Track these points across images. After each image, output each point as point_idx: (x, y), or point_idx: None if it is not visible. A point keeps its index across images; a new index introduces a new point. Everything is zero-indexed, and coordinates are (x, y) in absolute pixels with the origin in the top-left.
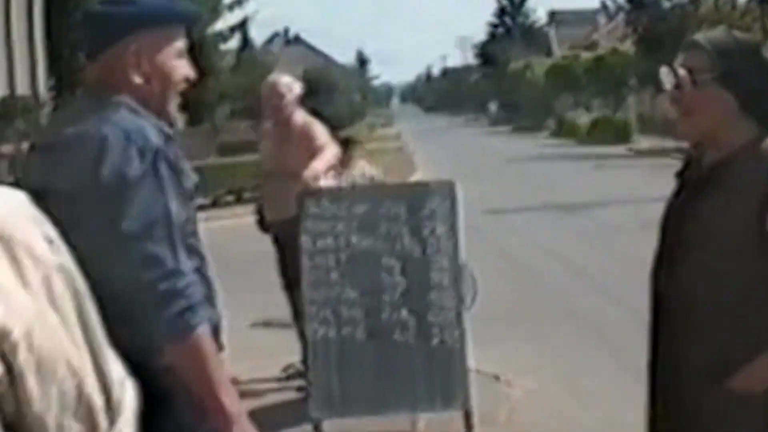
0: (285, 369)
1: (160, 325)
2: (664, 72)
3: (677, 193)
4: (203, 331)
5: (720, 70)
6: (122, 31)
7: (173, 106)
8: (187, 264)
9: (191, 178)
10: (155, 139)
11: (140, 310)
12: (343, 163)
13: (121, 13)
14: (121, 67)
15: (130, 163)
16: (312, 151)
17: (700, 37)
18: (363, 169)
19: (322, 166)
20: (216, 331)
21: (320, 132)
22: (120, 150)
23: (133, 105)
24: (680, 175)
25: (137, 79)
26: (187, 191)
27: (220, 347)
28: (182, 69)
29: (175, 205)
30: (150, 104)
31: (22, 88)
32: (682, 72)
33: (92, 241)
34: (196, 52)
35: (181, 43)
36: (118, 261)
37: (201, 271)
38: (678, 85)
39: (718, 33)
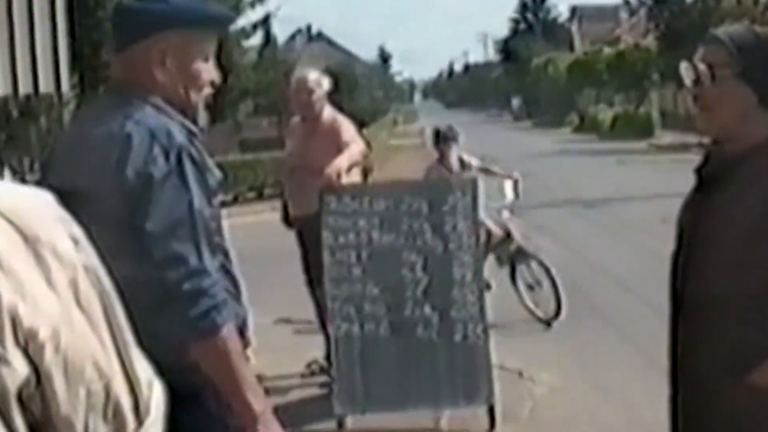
0: (308, 365)
1: (185, 324)
2: (684, 67)
3: (696, 189)
4: (229, 329)
5: (740, 65)
6: (150, 28)
7: (198, 105)
8: (211, 262)
9: (216, 176)
10: (179, 137)
11: (166, 309)
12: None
13: (151, 10)
14: (146, 65)
15: (155, 162)
16: (338, 147)
17: (719, 32)
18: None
19: (345, 163)
20: (243, 328)
21: (347, 128)
22: (144, 149)
23: (158, 103)
24: (699, 170)
25: (161, 78)
26: (212, 189)
27: (246, 343)
28: (208, 73)
29: (199, 204)
30: (174, 102)
31: (46, 86)
32: (701, 67)
33: (117, 240)
34: (217, 49)
35: (209, 47)
36: (144, 260)
37: (226, 267)
38: (697, 81)
39: (738, 28)
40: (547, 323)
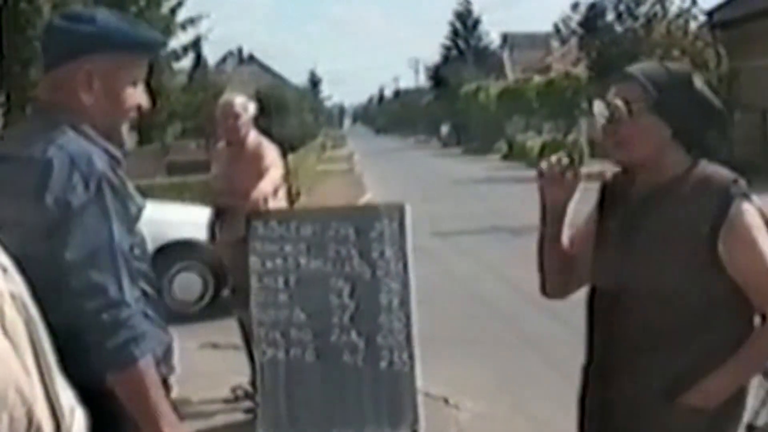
0: (233, 390)
1: (103, 354)
2: (597, 105)
3: (606, 216)
4: (146, 362)
5: (654, 99)
6: (77, 50)
7: (124, 129)
8: (131, 292)
9: (138, 203)
10: (100, 164)
11: (83, 339)
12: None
13: (79, 32)
14: (72, 87)
15: (74, 190)
16: (260, 171)
17: (632, 68)
18: None
19: (270, 188)
20: (167, 354)
21: (269, 152)
22: (64, 176)
23: (82, 127)
24: (601, 204)
25: (86, 100)
26: (133, 216)
27: (171, 370)
28: (135, 97)
29: (119, 233)
30: (99, 127)
31: None
32: (618, 102)
33: (36, 268)
34: (147, 72)
35: (139, 71)
36: (62, 289)
37: (148, 294)
38: (611, 118)
39: (651, 64)
40: None
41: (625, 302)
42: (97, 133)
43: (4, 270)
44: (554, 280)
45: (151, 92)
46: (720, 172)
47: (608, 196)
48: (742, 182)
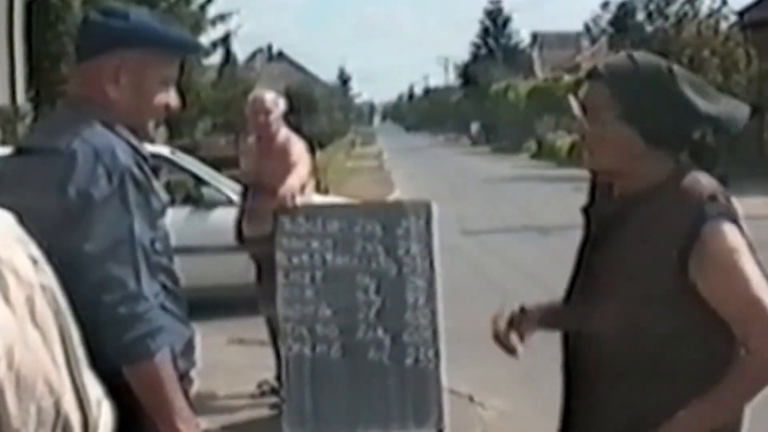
0: (260, 386)
1: (119, 348)
2: (572, 102)
3: (587, 230)
4: (162, 356)
5: (622, 106)
6: (108, 44)
7: (150, 126)
8: (150, 287)
9: (161, 199)
10: (124, 158)
11: (100, 332)
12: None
13: (110, 26)
14: (99, 80)
15: (97, 183)
16: (287, 167)
17: (601, 67)
18: None
19: (297, 183)
20: (188, 348)
21: (297, 148)
22: (88, 169)
23: (108, 120)
24: (587, 209)
25: (113, 95)
26: (156, 212)
27: (192, 363)
28: (163, 97)
29: (140, 227)
30: (125, 121)
31: (1, 99)
32: (574, 107)
33: (58, 259)
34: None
35: (168, 70)
36: (81, 281)
37: (170, 289)
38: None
39: (622, 60)
40: None
41: (583, 333)
42: (122, 128)
43: (35, 262)
44: None
45: (181, 89)
46: (697, 186)
47: (593, 200)
48: (722, 198)
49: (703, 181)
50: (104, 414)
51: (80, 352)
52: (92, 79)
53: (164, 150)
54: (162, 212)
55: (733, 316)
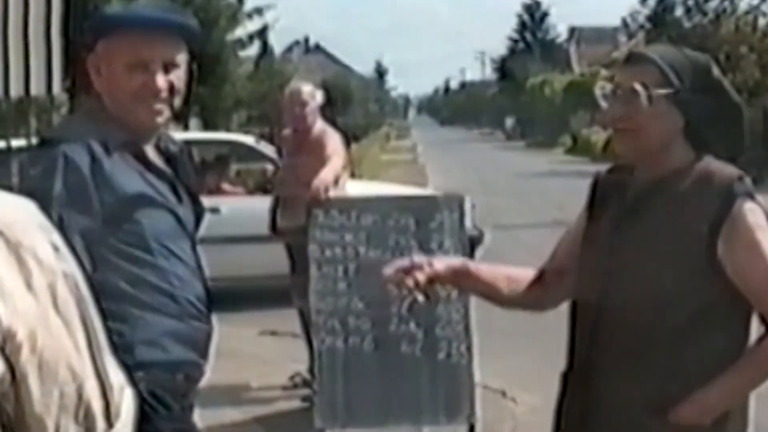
0: (292, 377)
1: None
2: (601, 87)
3: (596, 215)
4: None
5: (675, 86)
6: (89, 41)
7: (140, 111)
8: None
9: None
10: (68, 149)
11: None
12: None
13: (90, 25)
14: (90, 77)
15: (35, 169)
16: (322, 160)
17: (650, 51)
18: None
19: (331, 176)
20: (189, 339)
21: (333, 140)
22: (45, 162)
23: (97, 111)
24: (591, 204)
25: (98, 87)
26: (121, 203)
27: (198, 354)
28: (138, 79)
29: (69, 216)
30: (113, 111)
31: (37, 89)
32: (637, 86)
33: None
34: (212, 60)
35: (140, 52)
36: None
37: (152, 284)
38: (623, 103)
39: (668, 48)
40: None
41: (611, 307)
42: (108, 118)
43: (56, 249)
44: (525, 302)
45: (215, 81)
46: (724, 168)
47: (599, 195)
48: (748, 180)
49: (727, 166)
50: (126, 400)
51: (102, 339)
52: (86, 71)
53: (248, 139)
54: (144, 204)
55: (756, 291)
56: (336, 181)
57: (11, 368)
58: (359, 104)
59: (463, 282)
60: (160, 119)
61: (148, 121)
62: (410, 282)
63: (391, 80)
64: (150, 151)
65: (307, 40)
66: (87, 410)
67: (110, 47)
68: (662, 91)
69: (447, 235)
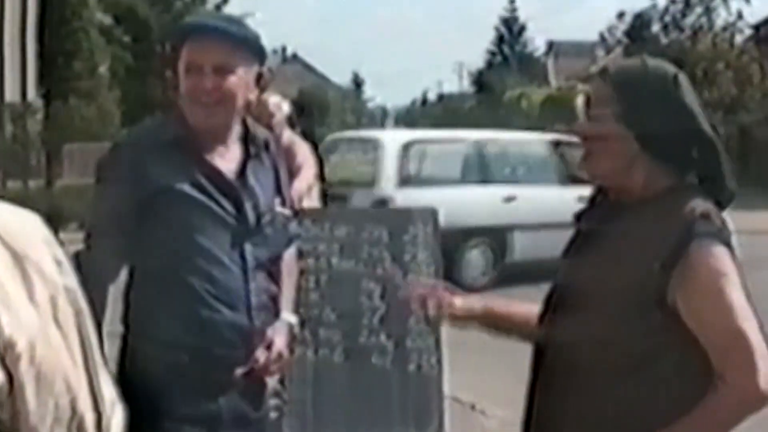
0: None
1: None
2: (580, 103)
3: (573, 241)
4: None
5: (621, 105)
6: (175, 42)
7: (193, 111)
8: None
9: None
10: (126, 141)
11: None
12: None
13: (176, 27)
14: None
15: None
16: (292, 170)
17: (610, 64)
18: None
19: (304, 186)
20: (203, 331)
21: (302, 150)
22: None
23: (174, 115)
24: (578, 217)
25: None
26: (153, 190)
27: (228, 346)
28: (189, 82)
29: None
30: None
31: (12, 95)
32: (578, 103)
33: None
34: None
35: (190, 58)
36: None
37: (175, 271)
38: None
39: (631, 62)
40: None
41: (555, 341)
42: (178, 117)
43: (59, 263)
44: None
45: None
46: (692, 202)
47: (582, 216)
48: (717, 220)
49: (699, 200)
50: (116, 416)
51: (97, 353)
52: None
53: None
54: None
55: (712, 343)
56: (309, 191)
57: (10, 378)
58: (336, 115)
59: (500, 323)
60: (212, 120)
61: (200, 121)
62: (432, 305)
63: (368, 91)
64: (220, 154)
65: (284, 49)
66: (80, 423)
67: (180, 53)
68: (607, 111)
69: (421, 248)
